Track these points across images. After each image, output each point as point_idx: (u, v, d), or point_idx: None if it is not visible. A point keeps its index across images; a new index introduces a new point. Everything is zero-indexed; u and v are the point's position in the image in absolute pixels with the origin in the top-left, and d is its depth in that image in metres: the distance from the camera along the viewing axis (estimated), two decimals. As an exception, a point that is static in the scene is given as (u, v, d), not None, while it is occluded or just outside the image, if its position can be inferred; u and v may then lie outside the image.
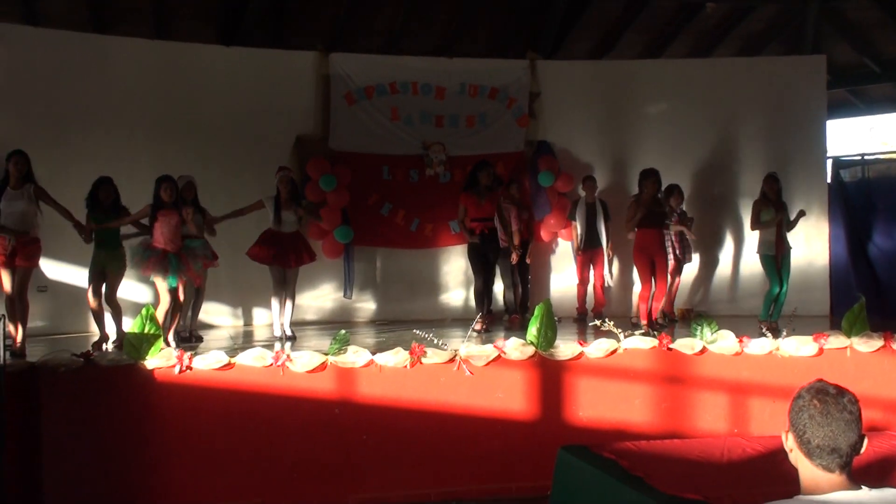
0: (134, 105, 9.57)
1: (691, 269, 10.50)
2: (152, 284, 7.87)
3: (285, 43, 10.85)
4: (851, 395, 2.44)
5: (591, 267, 10.25)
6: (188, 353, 6.00)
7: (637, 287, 9.61)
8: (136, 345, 5.88)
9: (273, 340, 8.24)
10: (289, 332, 8.40)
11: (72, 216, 7.42)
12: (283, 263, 8.39)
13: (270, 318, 8.82)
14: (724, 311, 10.38)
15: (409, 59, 10.90)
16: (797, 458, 2.46)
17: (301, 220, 8.68)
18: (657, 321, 8.87)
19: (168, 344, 7.18)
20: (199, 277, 8.03)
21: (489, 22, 11.65)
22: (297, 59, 10.42)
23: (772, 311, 8.81)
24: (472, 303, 9.50)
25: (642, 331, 7.78)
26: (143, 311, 6.00)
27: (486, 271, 9.18)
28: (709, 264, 10.95)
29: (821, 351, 6.67)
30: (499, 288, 9.65)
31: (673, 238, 9.74)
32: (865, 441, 2.44)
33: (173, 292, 7.58)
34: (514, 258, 9.16)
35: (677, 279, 9.99)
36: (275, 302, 8.49)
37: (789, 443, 2.48)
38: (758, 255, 9.08)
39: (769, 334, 6.91)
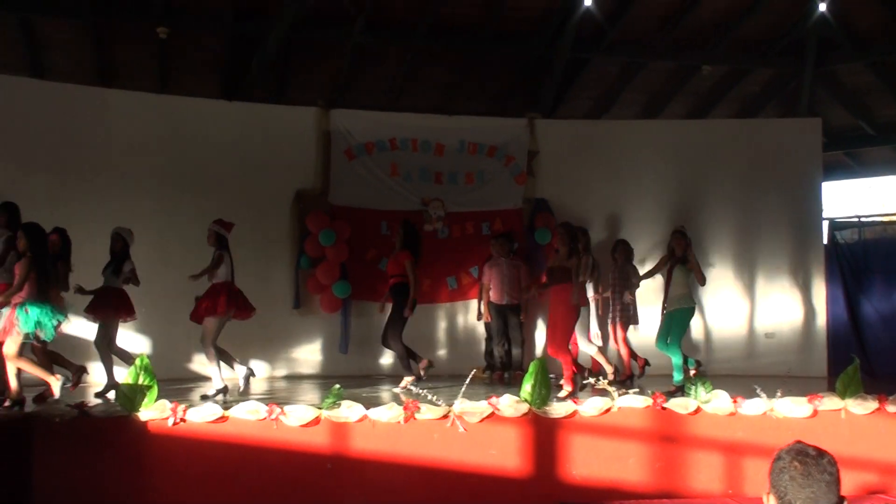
0: (136, 158, 9.69)
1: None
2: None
3: (287, 98, 11.05)
4: (830, 457, 2.47)
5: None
6: (182, 406, 5.98)
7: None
8: (129, 395, 5.88)
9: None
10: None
11: None
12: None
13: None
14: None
15: (409, 117, 11.04)
16: (779, 519, 2.48)
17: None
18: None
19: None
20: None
21: (489, 81, 11.84)
22: (298, 114, 10.59)
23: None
24: (473, 359, 9.64)
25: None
26: (138, 361, 5.98)
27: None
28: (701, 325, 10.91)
29: (815, 412, 6.65)
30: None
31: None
32: (845, 503, 2.46)
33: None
34: (487, 317, 9.83)
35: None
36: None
37: (770, 504, 2.50)
38: (679, 310, 8.58)
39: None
